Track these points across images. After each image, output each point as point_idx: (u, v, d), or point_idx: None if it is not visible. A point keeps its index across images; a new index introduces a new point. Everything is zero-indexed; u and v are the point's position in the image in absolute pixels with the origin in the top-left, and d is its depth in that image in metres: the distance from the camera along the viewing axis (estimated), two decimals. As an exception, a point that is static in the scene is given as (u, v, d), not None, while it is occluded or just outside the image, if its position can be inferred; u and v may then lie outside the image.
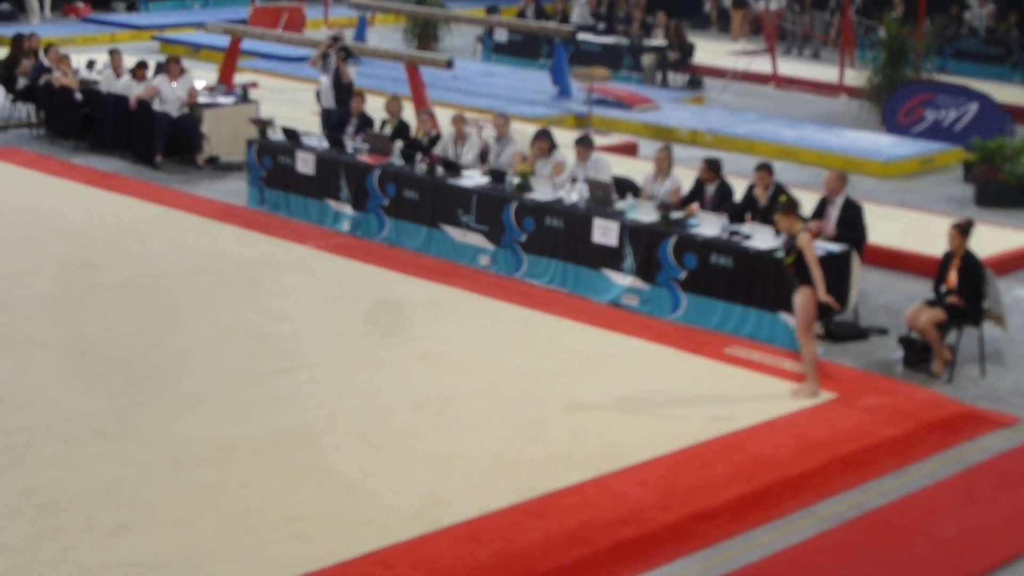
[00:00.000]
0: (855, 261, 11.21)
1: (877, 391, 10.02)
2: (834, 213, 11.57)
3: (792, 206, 10.00)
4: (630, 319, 11.49)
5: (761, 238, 11.20)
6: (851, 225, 11.48)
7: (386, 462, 8.59)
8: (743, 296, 11.20)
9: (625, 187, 12.91)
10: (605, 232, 11.95)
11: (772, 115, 20.68)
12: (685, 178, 12.67)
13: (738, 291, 11.22)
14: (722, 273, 11.25)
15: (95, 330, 10.83)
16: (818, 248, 10.40)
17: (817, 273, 9.76)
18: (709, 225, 11.54)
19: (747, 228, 11.46)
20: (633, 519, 7.93)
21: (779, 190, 11.75)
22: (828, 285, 9.83)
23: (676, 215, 11.80)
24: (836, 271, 10.75)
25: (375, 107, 16.07)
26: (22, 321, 10.96)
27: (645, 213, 11.92)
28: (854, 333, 11.36)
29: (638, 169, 14.22)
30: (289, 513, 7.83)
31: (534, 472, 8.49)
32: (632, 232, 11.77)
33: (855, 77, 21.88)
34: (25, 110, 19.16)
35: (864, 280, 12.00)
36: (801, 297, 9.87)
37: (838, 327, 11.29)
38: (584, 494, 8.22)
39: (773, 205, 10.96)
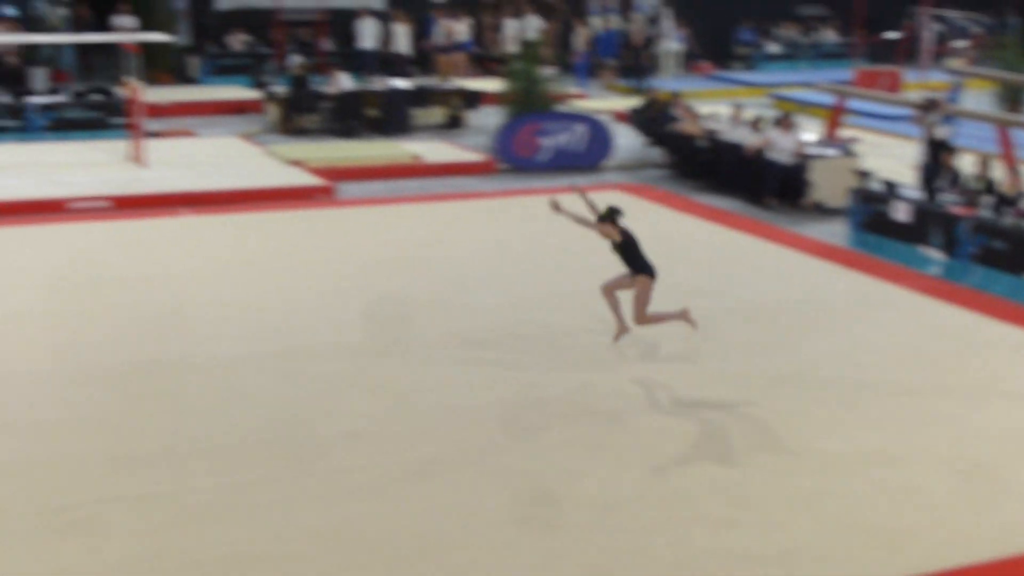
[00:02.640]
0: None
1: None
2: None
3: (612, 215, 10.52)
4: None
5: None
6: None
7: (971, 486, 8.51)
8: None
9: None
10: None
11: None
12: None
13: None
14: None
15: (714, 348, 11.34)
16: None
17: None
18: None
19: None
20: None
21: None
22: None
23: None
24: None
25: (967, 163, 15.83)
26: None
27: None
28: None
29: None
30: (877, 524, 7.93)
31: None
32: None
33: None
34: (657, 152, 20.22)
35: None
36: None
37: None
38: None
39: None
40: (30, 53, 25.50)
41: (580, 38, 29.01)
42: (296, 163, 18.94)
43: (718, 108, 22.04)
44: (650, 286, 10.74)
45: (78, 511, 7.85)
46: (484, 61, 30.72)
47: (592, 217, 10.79)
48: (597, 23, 31.90)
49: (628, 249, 10.81)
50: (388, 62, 28.46)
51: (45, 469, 8.46)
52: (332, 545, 7.50)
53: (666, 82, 27.11)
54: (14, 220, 15.49)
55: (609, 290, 11.01)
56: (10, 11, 29.51)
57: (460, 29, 29.57)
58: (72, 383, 10.11)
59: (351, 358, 10.80)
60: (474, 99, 23.83)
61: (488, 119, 23.16)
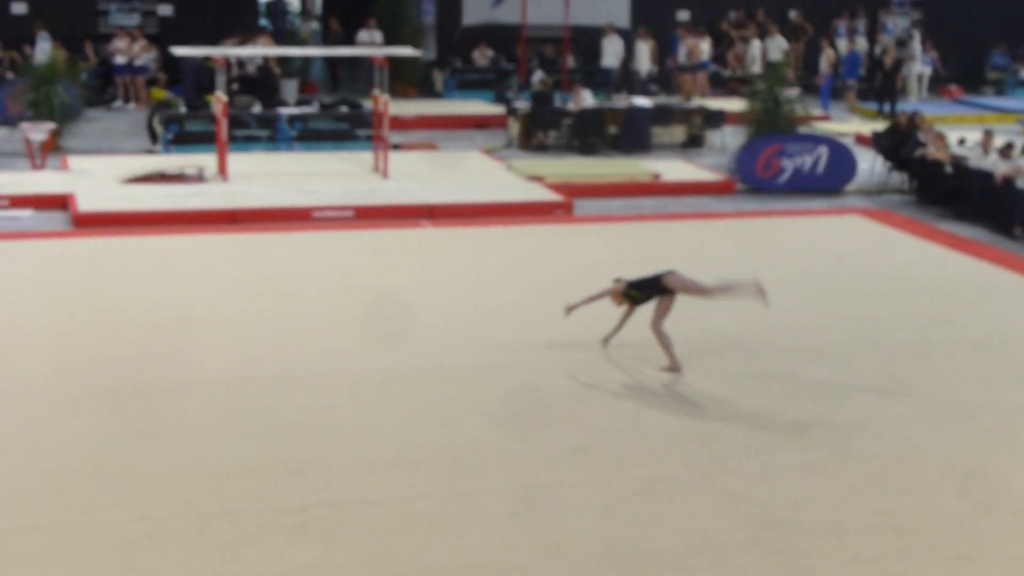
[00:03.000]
0: None
1: None
2: None
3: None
4: None
5: None
6: None
7: None
8: None
9: None
10: None
11: None
12: None
13: None
14: None
15: (953, 378, 11.06)
16: None
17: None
18: None
19: None
20: None
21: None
22: None
23: None
24: None
25: None
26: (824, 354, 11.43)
27: None
28: None
29: None
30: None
31: None
32: None
33: None
34: (900, 178, 19.78)
35: None
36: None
37: None
38: None
39: None
40: (283, 65, 26.47)
41: (825, 59, 28.60)
42: (535, 178, 19.18)
43: (967, 134, 21.43)
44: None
45: (308, 513, 8.12)
46: (726, 81, 30.55)
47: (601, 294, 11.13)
48: (843, 45, 31.39)
49: (641, 291, 10.95)
50: (630, 80, 28.57)
51: (279, 471, 8.78)
52: (558, 559, 7.59)
53: (913, 106, 26.46)
54: (264, 227, 16.11)
55: (657, 327, 10.90)
56: (266, 24, 30.73)
57: (703, 48, 29.48)
58: (322, 386, 10.46)
59: (590, 371, 10.89)
60: (715, 119, 23.72)
61: (729, 139, 23.02)
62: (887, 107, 27.44)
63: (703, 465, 9.03)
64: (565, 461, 9.03)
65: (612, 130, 22.99)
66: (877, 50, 31.43)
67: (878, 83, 28.43)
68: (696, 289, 10.93)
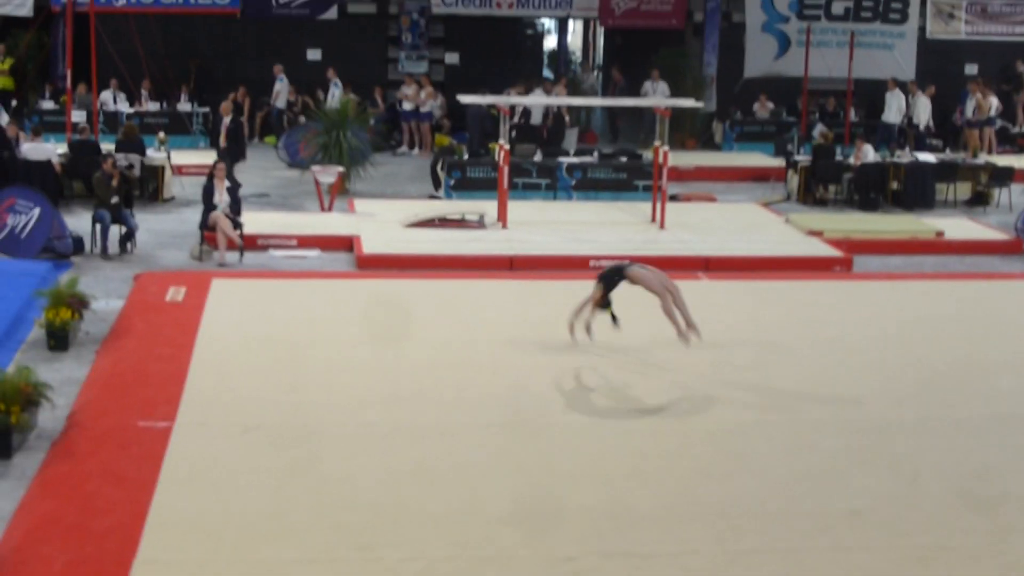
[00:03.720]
0: None
1: None
2: None
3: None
4: None
5: None
6: None
7: None
8: None
9: None
10: None
11: None
12: None
13: None
14: None
15: None
16: None
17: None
18: None
19: None
20: None
21: None
22: None
23: None
24: None
25: None
26: None
27: None
28: None
29: None
30: None
31: None
32: None
33: None
34: None
35: None
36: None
37: None
38: None
39: None
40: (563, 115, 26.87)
41: None
42: (814, 233, 18.88)
43: None
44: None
45: (579, 563, 8.15)
46: (1015, 137, 29.48)
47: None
48: None
49: (609, 284, 12.53)
50: (913, 135, 27.88)
51: (548, 517, 8.83)
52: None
53: None
54: (541, 275, 16.32)
55: (668, 309, 12.26)
56: (548, 74, 31.23)
57: (991, 103, 28.52)
58: (593, 435, 10.52)
59: (861, 432, 10.64)
60: (1003, 176, 22.88)
61: (1017, 197, 22.20)
62: None
63: (983, 536, 8.69)
64: (840, 524, 8.83)
65: (894, 185, 22.47)
66: None
67: None
68: (650, 287, 12.31)
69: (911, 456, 10.17)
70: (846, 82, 27.62)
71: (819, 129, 25.71)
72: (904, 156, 23.28)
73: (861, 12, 29.70)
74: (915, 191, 22.32)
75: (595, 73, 31.88)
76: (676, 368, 12.32)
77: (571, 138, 26.53)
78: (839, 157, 23.42)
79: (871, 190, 22.18)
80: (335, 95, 26.27)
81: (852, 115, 28.45)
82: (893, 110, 27.25)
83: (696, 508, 9.03)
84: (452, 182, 21.71)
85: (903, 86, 27.85)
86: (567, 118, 26.11)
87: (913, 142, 26.67)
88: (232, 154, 21.92)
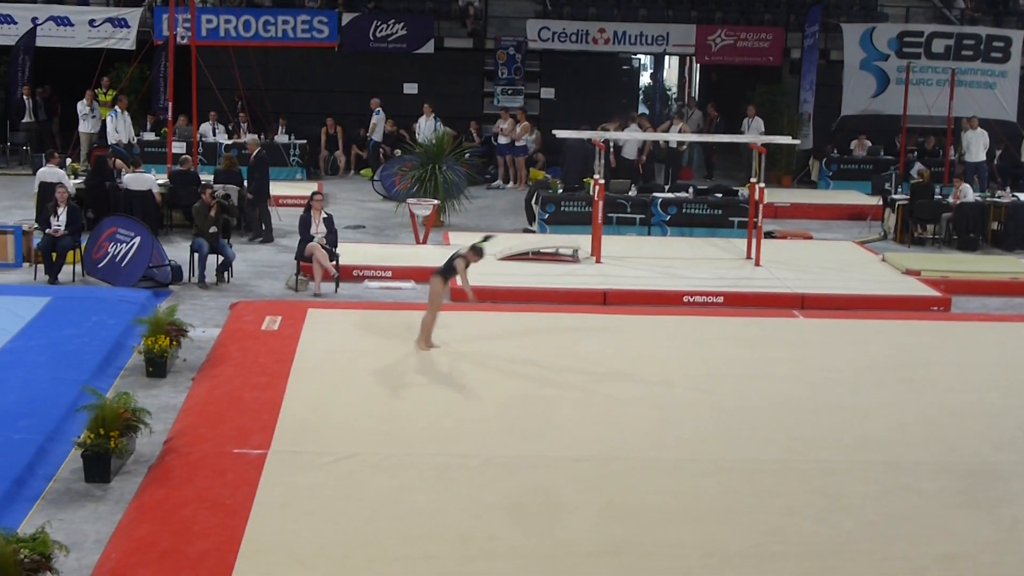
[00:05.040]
0: None
1: None
2: None
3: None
4: None
5: None
6: None
7: None
8: None
9: None
10: None
11: None
12: None
13: None
14: None
15: None
16: None
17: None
18: None
19: None
20: None
21: None
22: None
23: None
24: None
25: None
26: None
27: None
28: None
29: None
30: None
31: None
32: None
33: None
34: None
35: None
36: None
37: None
38: None
39: None
40: (659, 151, 26.90)
41: None
42: (911, 273, 18.69)
43: None
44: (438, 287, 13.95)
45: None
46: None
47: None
48: None
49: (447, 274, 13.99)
50: (1014, 175, 27.50)
51: (642, 554, 8.86)
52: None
53: None
54: (636, 310, 16.33)
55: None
56: (644, 110, 31.26)
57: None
58: (687, 472, 10.51)
59: (958, 476, 10.51)
60: (1109, 217, 22.50)
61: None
62: None
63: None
64: (932, 568, 8.73)
65: (994, 226, 22.19)
66: None
67: None
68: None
69: (1009, 501, 10.03)
70: (945, 120, 27.34)
71: (917, 168, 25.44)
72: (1005, 196, 22.98)
73: (962, 51, 29.39)
74: (1016, 231, 22.02)
75: (696, 111, 31.77)
76: (770, 406, 12.25)
77: (659, 174, 26.51)
78: (938, 196, 23.17)
79: (971, 230, 21.92)
80: (431, 128, 26.33)
81: (951, 154, 28.12)
82: (980, 148, 26.86)
83: (786, 548, 8.99)
84: (546, 216, 21.81)
85: (1010, 126, 27.49)
86: (664, 152, 26.02)
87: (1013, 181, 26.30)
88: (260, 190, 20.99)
